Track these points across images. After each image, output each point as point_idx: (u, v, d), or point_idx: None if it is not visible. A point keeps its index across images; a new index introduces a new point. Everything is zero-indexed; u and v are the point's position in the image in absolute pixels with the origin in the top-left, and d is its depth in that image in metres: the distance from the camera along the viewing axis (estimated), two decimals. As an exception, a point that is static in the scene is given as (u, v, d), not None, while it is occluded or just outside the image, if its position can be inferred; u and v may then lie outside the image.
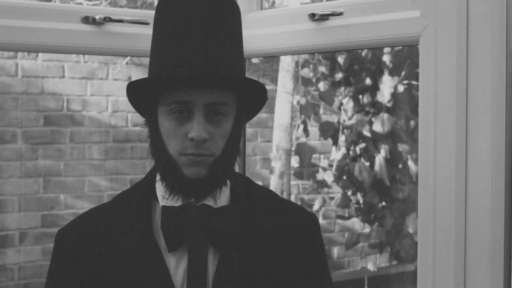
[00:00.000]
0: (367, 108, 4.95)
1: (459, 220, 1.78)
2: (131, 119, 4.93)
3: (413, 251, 4.70)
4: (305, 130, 5.12)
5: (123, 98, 4.79)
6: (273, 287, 1.52)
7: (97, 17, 2.08)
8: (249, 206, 1.56)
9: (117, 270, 1.49)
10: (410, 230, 4.73)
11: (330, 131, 5.08)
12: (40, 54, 4.62)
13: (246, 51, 1.78)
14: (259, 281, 1.51)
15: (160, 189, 1.53)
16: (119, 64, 4.90)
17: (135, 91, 1.52)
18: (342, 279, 5.62)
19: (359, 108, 4.97)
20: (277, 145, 4.89)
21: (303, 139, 5.21)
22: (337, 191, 5.20)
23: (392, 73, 4.87)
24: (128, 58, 4.85)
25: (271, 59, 5.22)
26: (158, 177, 1.54)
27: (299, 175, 5.31)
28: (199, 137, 1.45)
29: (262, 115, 5.26)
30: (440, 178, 1.80)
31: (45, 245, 4.62)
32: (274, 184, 4.92)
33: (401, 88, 4.83)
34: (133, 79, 4.78)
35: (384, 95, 4.86)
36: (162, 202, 1.52)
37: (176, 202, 1.50)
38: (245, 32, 1.69)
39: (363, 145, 4.95)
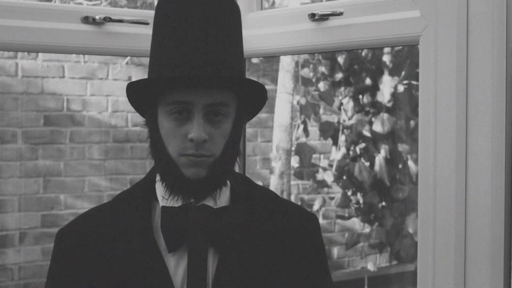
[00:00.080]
0: (367, 108, 4.95)
1: (459, 220, 1.78)
2: (131, 119, 4.93)
3: (413, 251, 4.70)
4: (305, 130, 5.12)
5: (123, 98, 4.79)
6: (273, 287, 1.52)
7: (97, 17, 2.08)
8: (249, 206, 1.55)
9: (117, 270, 1.49)
10: (410, 230, 4.73)
11: (330, 131, 5.07)
12: (40, 54, 4.62)
13: (246, 51, 1.78)
14: (259, 281, 1.51)
15: (160, 189, 1.53)
16: (119, 64, 4.90)
17: (135, 91, 1.52)
18: (342, 279, 5.61)
19: (359, 108, 4.96)
20: (277, 145, 4.89)
21: (303, 139, 5.21)
22: (337, 191, 5.20)
23: (392, 73, 4.87)
24: (128, 58, 4.85)
25: (271, 59, 5.21)
26: (158, 178, 1.54)
27: (299, 175, 5.31)
28: (198, 138, 1.45)
29: (262, 115, 5.26)
30: (440, 178, 1.80)
31: (45, 245, 4.62)
32: (274, 184, 4.91)
33: (401, 88, 4.83)
34: (133, 79, 4.80)
35: (384, 95, 4.86)
36: (162, 202, 1.52)
37: (176, 203, 1.50)
38: (245, 32, 1.69)
39: (363, 145, 4.95)
